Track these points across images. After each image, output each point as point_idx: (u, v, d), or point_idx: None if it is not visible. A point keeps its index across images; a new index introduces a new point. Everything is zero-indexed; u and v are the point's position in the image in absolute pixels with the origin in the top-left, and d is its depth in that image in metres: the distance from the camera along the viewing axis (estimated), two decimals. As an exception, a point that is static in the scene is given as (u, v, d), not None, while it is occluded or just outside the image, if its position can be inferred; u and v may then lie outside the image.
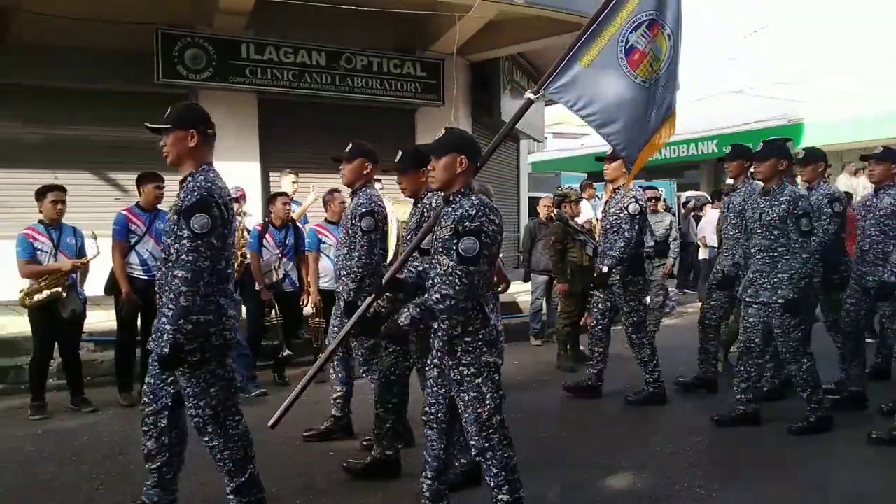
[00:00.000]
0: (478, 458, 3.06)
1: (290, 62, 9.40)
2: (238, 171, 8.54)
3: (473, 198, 3.00)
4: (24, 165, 8.23)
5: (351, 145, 4.44)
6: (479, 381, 2.98)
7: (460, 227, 2.89)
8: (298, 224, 7.17)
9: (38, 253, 5.34)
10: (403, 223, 6.61)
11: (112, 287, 5.69)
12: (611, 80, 3.74)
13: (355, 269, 4.23)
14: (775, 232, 4.57)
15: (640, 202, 5.46)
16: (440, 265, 2.97)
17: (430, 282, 3.03)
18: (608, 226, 5.52)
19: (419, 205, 4.01)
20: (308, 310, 6.42)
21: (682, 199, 13.49)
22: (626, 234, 5.36)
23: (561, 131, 30.80)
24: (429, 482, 3.15)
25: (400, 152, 4.16)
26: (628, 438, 4.69)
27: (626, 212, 5.37)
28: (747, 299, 4.73)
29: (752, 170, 5.15)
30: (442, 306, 2.89)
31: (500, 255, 7.12)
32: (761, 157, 4.62)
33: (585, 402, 5.56)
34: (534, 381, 5.88)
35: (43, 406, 5.34)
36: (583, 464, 4.20)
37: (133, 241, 5.65)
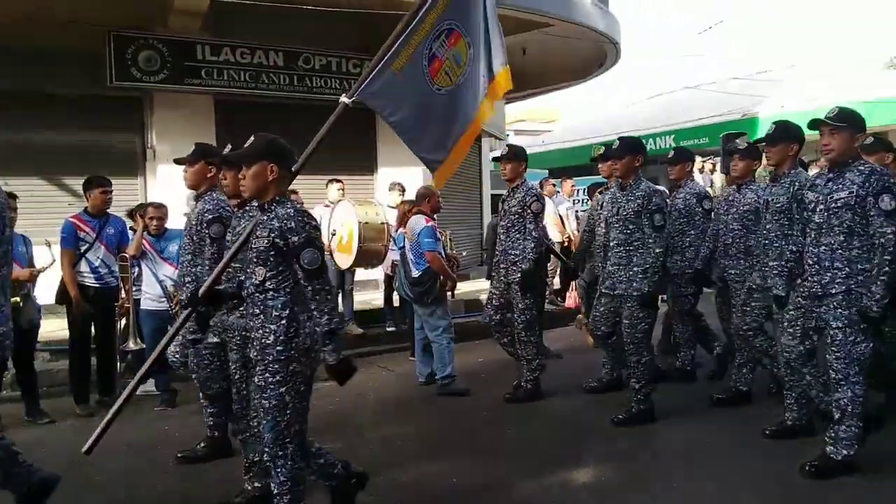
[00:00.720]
0: (268, 463, 3.08)
1: (247, 63, 9.28)
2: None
3: (289, 205, 3.03)
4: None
5: (194, 147, 4.37)
6: (282, 389, 3.00)
7: (290, 242, 2.94)
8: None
9: (-12, 262, 5.19)
10: (366, 224, 6.59)
11: (63, 296, 5.57)
12: (416, 88, 3.77)
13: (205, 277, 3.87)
14: (631, 226, 4.73)
15: (542, 200, 5.49)
16: (255, 275, 3.03)
17: (246, 291, 3.09)
18: (509, 224, 5.48)
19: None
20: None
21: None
22: (534, 233, 5.37)
23: (522, 128, 31.00)
24: None
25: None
26: (593, 432, 4.73)
27: (528, 210, 5.37)
28: (604, 290, 4.90)
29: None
30: (336, 326, 3.01)
31: (455, 252, 7.18)
32: (617, 155, 4.79)
33: (549, 397, 5.60)
34: (497, 377, 5.91)
35: (-4, 419, 5.20)
36: (547, 458, 4.24)
37: (83, 248, 5.53)
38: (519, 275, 5.35)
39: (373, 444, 4.62)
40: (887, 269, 3.54)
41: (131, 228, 5.90)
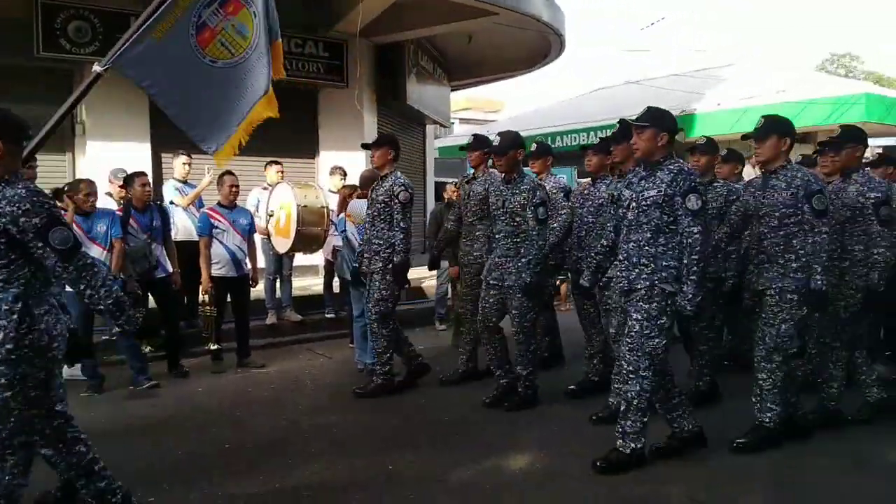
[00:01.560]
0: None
1: (185, 38, 8.95)
2: (127, 153, 8.10)
3: (20, 186, 2.71)
4: None
5: None
6: (7, 394, 2.67)
7: (29, 225, 2.64)
8: (189, 207, 6.90)
9: None
10: (305, 206, 6.46)
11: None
12: (180, 58, 3.45)
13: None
14: (517, 219, 4.81)
15: (410, 190, 5.41)
16: None
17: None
18: (375, 213, 5.36)
19: None
20: (201, 297, 6.17)
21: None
22: (402, 223, 5.27)
23: (468, 117, 31.07)
24: None
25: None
26: (531, 419, 4.76)
27: (396, 200, 5.27)
28: (491, 281, 4.95)
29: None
30: (118, 297, 2.86)
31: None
32: (499, 152, 4.85)
33: (486, 384, 5.60)
34: (436, 364, 5.89)
35: None
36: (484, 444, 4.24)
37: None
38: (381, 265, 5.28)
39: (308, 432, 4.54)
40: (696, 268, 3.60)
41: (62, 209, 5.59)
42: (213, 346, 6.24)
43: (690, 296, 3.61)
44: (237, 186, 6.30)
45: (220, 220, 6.15)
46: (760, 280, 4.08)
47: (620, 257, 3.88)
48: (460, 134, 21.56)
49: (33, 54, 7.99)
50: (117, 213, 5.86)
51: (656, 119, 3.78)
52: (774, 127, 4.05)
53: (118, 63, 3.31)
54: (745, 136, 4.36)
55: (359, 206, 5.96)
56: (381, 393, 5.34)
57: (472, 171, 5.83)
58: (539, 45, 12.24)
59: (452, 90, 15.54)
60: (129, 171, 6.21)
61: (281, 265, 7.44)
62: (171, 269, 6.01)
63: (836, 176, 4.50)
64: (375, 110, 11.31)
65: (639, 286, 3.71)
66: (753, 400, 4.10)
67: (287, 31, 9.57)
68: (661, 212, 3.69)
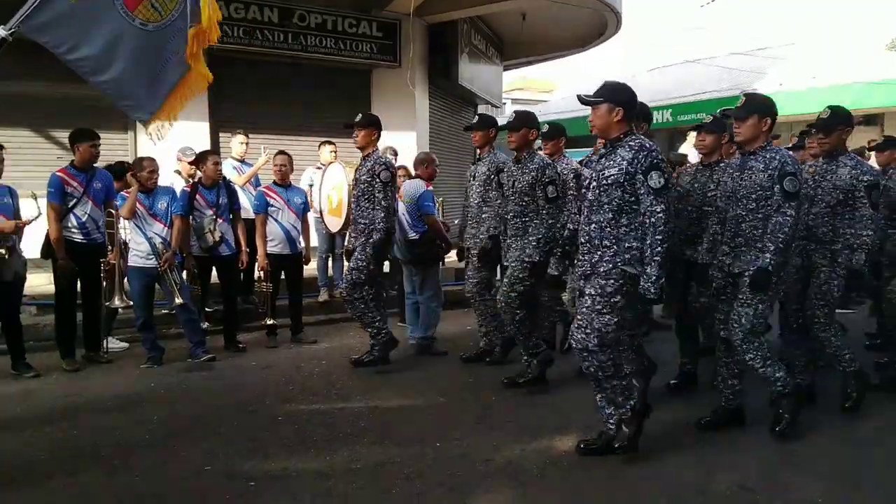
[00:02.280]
0: None
1: (241, 18, 9.10)
2: (187, 131, 8.29)
3: None
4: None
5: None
6: None
7: None
8: (246, 185, 7.04)
9: (-27, 213, 5.12)
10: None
11: (48, 250, 5.51)
12: (105, 20, 3.22)
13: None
14: (526, 198, 4.80)
15: (391, 169, 5.42)
16: None
17: None
18: (360, 193, 5.42)
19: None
20: (257, 274, 6.33)
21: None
22: (384, 202, 5.30)
23: (520, 97, 30.75)
24: None
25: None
26: (579, 401, 4.74)
27: (378, 180, 5.31)
28: (509, 263, 4.92)
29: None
30: None
31: (446, 220, 7.14)
32: (512, 128, 4.80)
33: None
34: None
35: (-20, 371, 5.18)
36: (532, 424, 4.27)
37: (71, 203, 5.46)
38: (363, 240, 5.35)
39: (356, 408, 4.64)
40: (659, 248, 3.47)
41: (124, 189, 5.77)
42: (269, 322, 6.41)
43: (654, 277, 3.47)
44: (285, 166, 6.40)
45: (275, 199, 6.28)
46: (737, 263, 4.00)
47: (582, 240, 3.74)
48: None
49: None
50: (185, 189, 6.06)
51: (611, 93, 3.62)
52: (756, 106, 3.93)
53: (26, 27, 3.12)
54: (724, 114, 4.34)
55: (411, 186, 6.01)
56: (381, 361, 5.44)
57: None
58: (595, 23, 12.04)
59: (505, 70, 15.42)
60: (198, 150, 6.40)
61: (333, 244, 7.54)
62: (235, 248, 6.15)
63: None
64: (427, 90, 11.32)
65: (601, 269, 3.60)
66: (731, 383, 4.17)
67: (341, 10, 9.75)
68: (623, 191, 3.54)
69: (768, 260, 3.78)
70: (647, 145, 3.58)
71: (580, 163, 4.61)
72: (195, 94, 3.72)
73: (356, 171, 5.57)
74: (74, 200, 5.48)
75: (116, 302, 5.65)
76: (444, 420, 4.40)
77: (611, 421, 3.77)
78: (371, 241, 5.32)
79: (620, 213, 3.57)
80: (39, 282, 6.11)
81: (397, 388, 5.10)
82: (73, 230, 5.49)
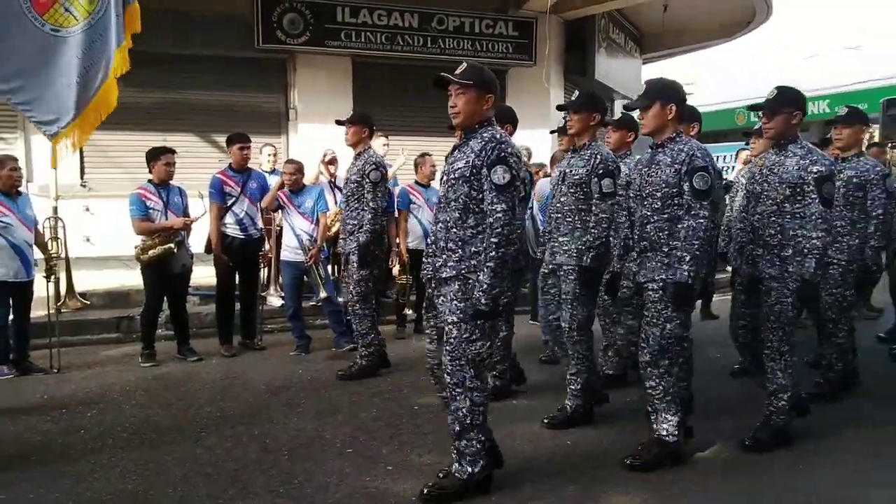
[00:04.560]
0: None
1: (384, 25, 9.49)
2: (334, 133, 8.76)
3: None
4: (137, 128, 8.69)
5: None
6: None
7: None
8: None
9: (150, 211, 5.69)
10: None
11: (210, 246, 6.02)
12: (8, 26, 2.99)
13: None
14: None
15: (381, 169, 5.18)
16: None
17: None
18: (349, 193, 5.24)
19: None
20: (396, 269, 6.60)
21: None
22: (371, 203, 5.10)
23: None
24: None
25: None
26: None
27: (367, 179, 5.11)
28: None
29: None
30: None
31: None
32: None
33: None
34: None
35: (153, 354, 5.76)
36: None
37: (229, 202, 5.93)
38: (354, 245, 5.16)
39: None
40: (494, 253, 3.00)
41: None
42: (409, 312, 6.72)
43: (486, 286, 3.00)
44: (434, 166, 6.55)
45: (416, 197, 6.53)
46: (642, 271, 3.56)
47: (429, 240, 3.31)
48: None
49: (254, 45, 8.91)
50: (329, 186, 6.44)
51: (479, 78, 3.20)
52: (658, 93, 3.52)
53: None
54: (625, 107, 3.91)
55: (545, 185, 6.02)
56: (365, 375, 5.25)
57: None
58: (742, 11, 11.47)
59: (644, 63, 15.00)
60: (333, 151, 6.79)
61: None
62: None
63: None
64: (562, 87, 11.25)
65: (445, 275, 3.14)
66: (649, 409, 3.63)
67: (477, 12, 9.90)
68: (470, 187, 3.10)
69: (686, 272, 3.36)
70: (498, 136, 3.15)
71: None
72: (111, 108, 3.45)
73: (347, 170, 5.44)
74: (233, 199, 5.95)
75: (272, 292, 6.08)
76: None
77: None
78: (357, 245, 5.15)
79: (467, 211, 3.12)
80: (203, 274, 6.68)
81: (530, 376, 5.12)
82: (231, 227, 5.96)
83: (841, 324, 4.64)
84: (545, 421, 4.20)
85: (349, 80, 9.71)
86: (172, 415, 4.49)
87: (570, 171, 4.13)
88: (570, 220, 4.13)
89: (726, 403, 4.60)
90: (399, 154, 7.65)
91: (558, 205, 4.20)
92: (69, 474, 3.55)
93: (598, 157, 4.05)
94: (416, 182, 6.65)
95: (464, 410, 3.12)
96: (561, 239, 4.14)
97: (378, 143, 7.66)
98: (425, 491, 3.19)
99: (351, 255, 5.25)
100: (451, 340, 3.11)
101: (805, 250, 3.60)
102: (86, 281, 6.79)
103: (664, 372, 3.50)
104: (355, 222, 5.23)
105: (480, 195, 3.10)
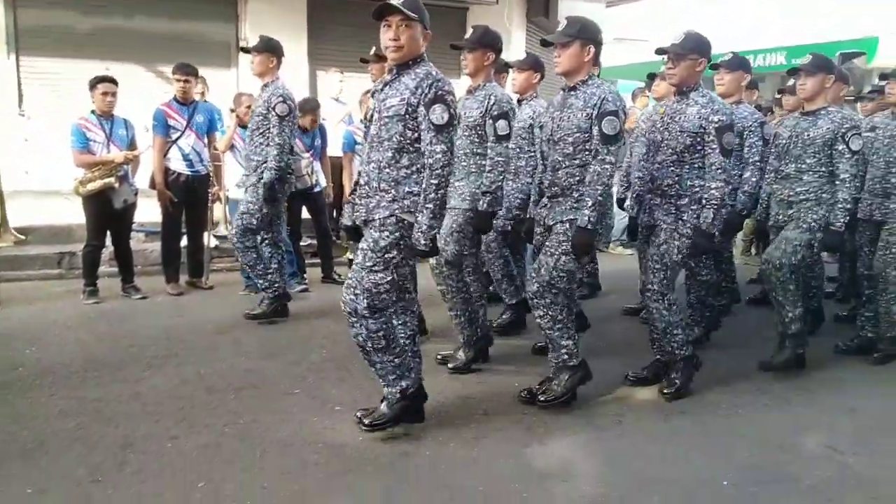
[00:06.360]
0: None
1: (337, -45, 9.11)
2: (286, 69, 8.46)
3: None
4: (78, 55, 8.26)
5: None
6: None
7: None
8: (343, 124, 7.16)
9: (91, 143, 5.47)
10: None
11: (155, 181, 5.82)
12: None
13: None
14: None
15: (289, 102, 4.92)
16: None
17: None
18: (254, 126, 4.99)
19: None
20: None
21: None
22: (277, 138, 4.85)
23: (622, 36, 29.53)
24: None
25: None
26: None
27: (273, 112, 4.86)
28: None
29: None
30: None
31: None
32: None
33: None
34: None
35: (95, 291, 5.61)
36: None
37: (174, 136, 5.72)
38: (255, 180, 4.95)
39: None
40: (433, 194, 2.98)
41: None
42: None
43: (425, 227, 2.98)
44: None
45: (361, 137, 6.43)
46: (552, 214, 3.54)
47: (360, 181, 3.21)
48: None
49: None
50: None
51: (421, 11, 3.09)
52: (579, 31, 3.38)
53: None
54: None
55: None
56: (273, 315, 5.10)
57: None
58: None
59: (607, 6, 14.79)
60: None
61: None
62: (324, 184, 6.38)
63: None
64: (524, 28, 11.06)
65: (376, 216, 3.07)
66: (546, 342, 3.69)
67: (439, -54, 9.56)
68: (405, 126, 3.02)
69: (586, 217, 3.31)
70: (434, 73, 3.05)
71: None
72: None
73: (253, 102, 5.22)
74: (178, 133, 5.74)
75: (222, 230, 5.95)
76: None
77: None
78: (262, 180, 4.90)
79: (401, 151, 3.04)
80: (152, 210, 6.48)
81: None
82: (178, 162, 5.77)
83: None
84: (438, 358, 4.24)
85: (302, 13, 9.35)
86: (115, 353, 4.39)
87: (465, 113, 3.98)
88: (464, 164, 4.02)
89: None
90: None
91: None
92: (5, 415, 3.45)
93: (493, 97, 3.93)
94: (362, 121, 6.49)
95: (361, 338, 3.13)
96: (457, 184, 4.01)
97: (332, 80, 7.48)
98: (366, 421, 3.24)
99: (249, 188, 5.02)
100: (355, 268, 3.11)
101: (703, 200, 3.58)
102: (26, 215, 6.54)
103: (551, 302, 3.48)
104: (259, 158, 4.95)
105: (416, 134, 3.02)
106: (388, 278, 3.07)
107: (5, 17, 7.91)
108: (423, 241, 3.00)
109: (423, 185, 3.01)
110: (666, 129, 3.72)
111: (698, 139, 3.61)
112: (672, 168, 3.68)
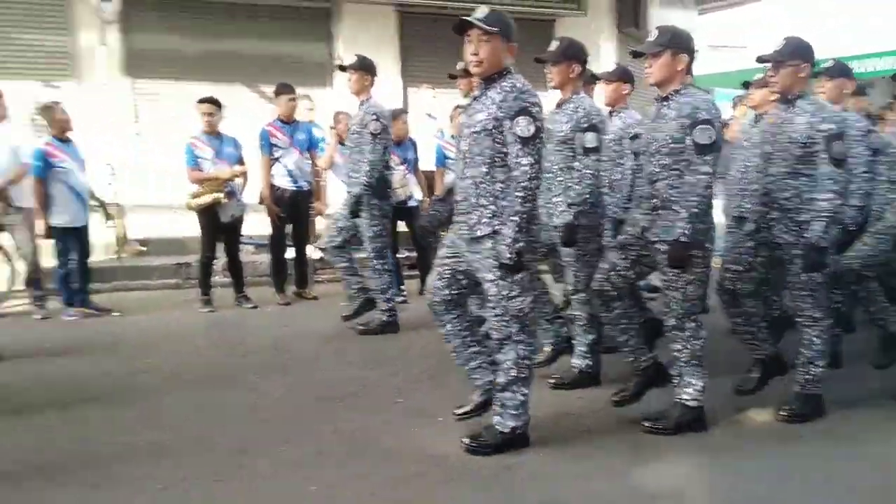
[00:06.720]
0: None
1: (428, -26, 9.30)
2: (380, 87, 8.72)
3: None
4: (186, 77, 8.62)
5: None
6: None
7: None
8: (436, 139, 7.30)
9: (200, 161, 5.82)
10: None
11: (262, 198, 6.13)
12: None
13: None
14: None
15: (382, 120, 5.00)
16: None
17: None
18: (353, 145, 5.11)
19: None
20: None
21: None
22: (370, 155, 4.95)
23: (716, 44, 28.70)
24: None
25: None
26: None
27: (366, 131, 4.96)
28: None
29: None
30: None
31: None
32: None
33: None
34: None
35: (209, 300, 5.95)
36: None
37: (278, 154, 6.00)
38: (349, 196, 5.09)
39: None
40: (519, 207, 2.93)
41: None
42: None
43: (510, 240, 2.94)
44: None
45: (452, 151, 6.55)
46: (653, 229, 3.38)
47: (458, 198, 3.19)
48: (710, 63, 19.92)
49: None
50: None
51: (504, 25, 3.06)
52: (669, 41, 3.28)
53: None
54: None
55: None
56: (386, 331, 5.25)
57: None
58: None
59: (700, 13, 14.48)
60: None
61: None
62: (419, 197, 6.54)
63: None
64: (615, 39, 10.95)
65: (479, 233, 3.06)
66: (673, 372, 3.48)
67: (527, -41, 9.60)
68: (493, 140, 3.00)
69: (680, 230, 3.19)
70: (520, 86, 3.03)
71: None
72: None
73: (350, 121, 5.37)
74: (281, 151, 6.02)
75: (321, 243, 6.16)
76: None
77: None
78: (352, 194, 5.07)
79: (494, 166, 3.03)
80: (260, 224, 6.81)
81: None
82: (282, 178, 6.05)
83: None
84: (551, 382, 4.10)
85: (395, 31, 9.59)
86: (230, 360, 4.66)
87: (555, 127, 3.95)
88: (560, 179, 3.98)
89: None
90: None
91: (547, 164, 3.94)
92: (133, 418, 3.69)
93: (581, 109, 3.91)
94: (452, 136, 6.60)
95: (509, 363, 3.13)
96: (554, 199, 3.98)
97: (427, 95, 7.68)
98: (467, 442, 3.22)
99: (362, 211, 5.14)
100: (492, 298, 3.11)
101: (814, 213, 3.39)
102: (142, 229, 6.99)
103: (690, 336, 3.37)
104: (357, 175, 5.09)
105: (505, 148, 3.01)
106: (529, 298, 3.12)
107: (121, 41, 8.45)
108: (507, 254, 2.98)
109: (510, 198, 3.01)
110: (775, 139, 3.57)
111: (808, 149, 3.44)
112: (788, 181, 3.52)
